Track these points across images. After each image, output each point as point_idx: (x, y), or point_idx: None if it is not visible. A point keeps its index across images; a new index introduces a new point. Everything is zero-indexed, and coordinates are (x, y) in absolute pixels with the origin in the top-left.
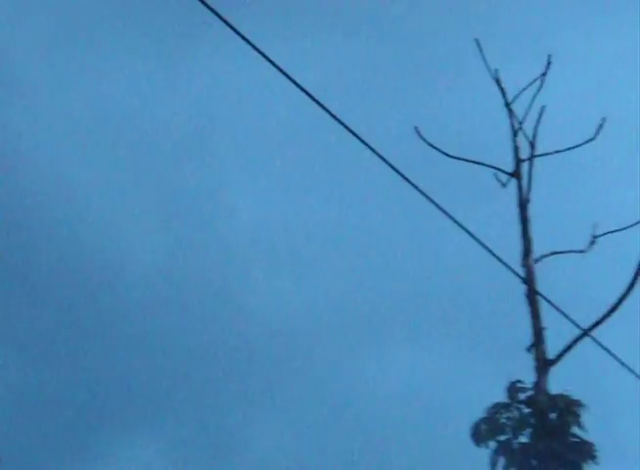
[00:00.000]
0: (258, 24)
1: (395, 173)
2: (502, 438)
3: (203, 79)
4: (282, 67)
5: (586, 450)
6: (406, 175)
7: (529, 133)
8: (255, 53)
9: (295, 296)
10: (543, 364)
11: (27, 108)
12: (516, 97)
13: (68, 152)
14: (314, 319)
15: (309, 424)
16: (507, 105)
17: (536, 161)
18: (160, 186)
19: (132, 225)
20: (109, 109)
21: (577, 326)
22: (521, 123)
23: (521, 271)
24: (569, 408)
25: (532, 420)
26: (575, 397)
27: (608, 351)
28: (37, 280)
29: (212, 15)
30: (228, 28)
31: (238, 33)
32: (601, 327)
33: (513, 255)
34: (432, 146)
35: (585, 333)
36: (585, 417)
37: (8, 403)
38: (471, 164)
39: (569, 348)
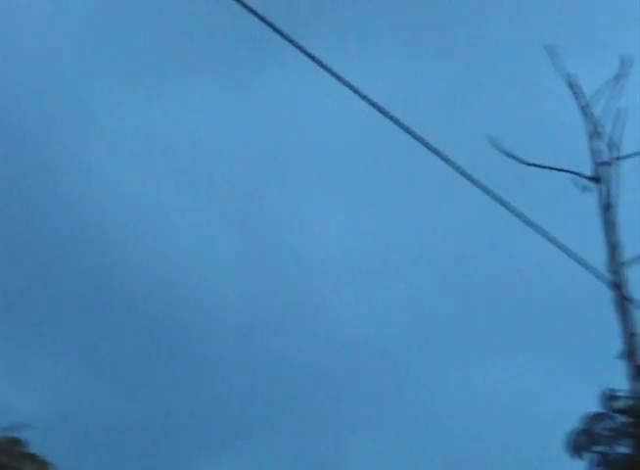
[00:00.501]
0: (330, 45)
1: (474, 184)
2: (599, 449)
3: (278, 102)
4: (356, 85)
5: None
6: (485, 185)
7: (609, 137)
8: (328, 73)
9: (380, 312)
10: (637, 371)
11: (110, 141)
12: (592, 100)
13: (150, 180)
14: (401, 336)
15: (400, 440)
16: (583, 109)
17: (619, 163)
18: (243, 210)
19: (219, 250)
20: (189, 136)
21: None
22: (598, 127)
23: (608, 277)
24: None
25: (631, 429)
26: None
27: None
28: (131, 308)
29: (284, 39)
30: (299, 50)
31: (311, 56)
32: None
33: (598, 261)
34: (508, 155)
35: None
36: None
37: (108, 430)
38: (549, 170)
39: None
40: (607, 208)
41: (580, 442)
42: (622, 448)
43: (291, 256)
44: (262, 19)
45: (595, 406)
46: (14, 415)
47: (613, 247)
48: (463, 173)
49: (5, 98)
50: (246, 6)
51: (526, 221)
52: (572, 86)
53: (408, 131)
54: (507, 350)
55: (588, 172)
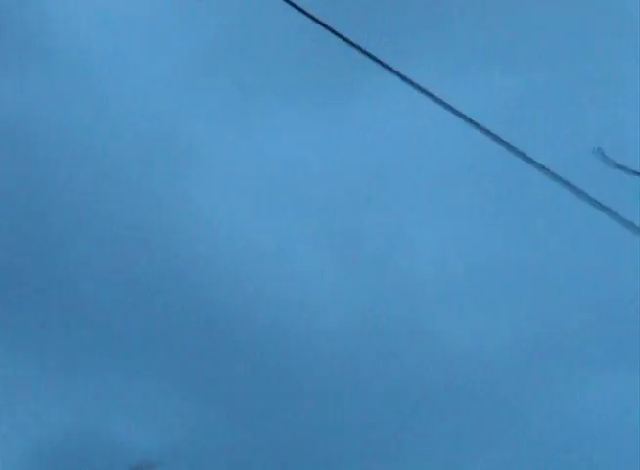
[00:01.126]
0: (422, 65)
1: (581, 198)
2: None
3: (369, 125)
4: (450, 103)
5: None
6: (594, 198)
7: None
8: (420, 92)
9: (486, 330)
10: None
11: (203, 175)
12: None
13: (243, 211)
14: (508, 353)
15: (509, 459)
16: None
17: None
18: (342, 236)
19: (323, 276)
20: (281, 165)
21: None
22: None
23: None
24: None
25: None
26: None
27: None
28: (235, 338)
29: (373, 61)
30: (388, 71)
31: (403, 77)
32: None
33: None
34: (618, 165)
35: None
36: None
37: (231, 461)
38: None
39: None
40: None
41: None
42: None
43: (394, 277)
44: (352, 43)
45: None
46: (138, 453)
47: None
48: (569, 186)
49: (103, 141)
50: (337, 34)
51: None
52: None
53: (509, 146)
54: (620, 362)
55: None
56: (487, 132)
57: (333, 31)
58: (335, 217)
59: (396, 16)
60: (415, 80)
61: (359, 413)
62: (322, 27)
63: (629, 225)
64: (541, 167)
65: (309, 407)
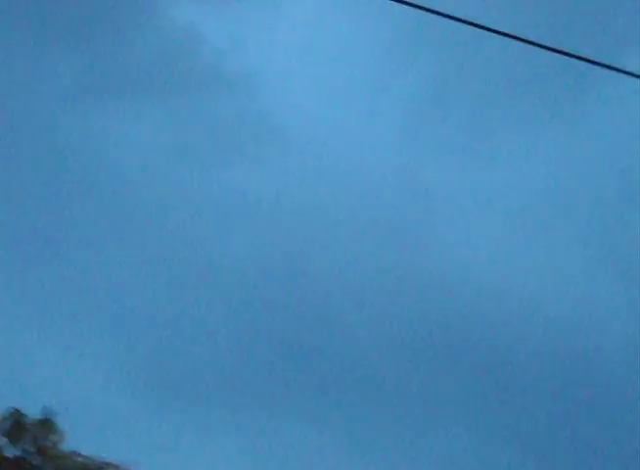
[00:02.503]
0: None
1: None
2: None
3: (610, 130)
4: None
5: None
6: None
7: None
8: None
9: None
10: None
11: (455, 215)
12: None
13: (502, 239)
14: None
15: None
16: None
17: None
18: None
19: (599, 296)
20: (529, 190)
21: None
22: None
23: None
24: None
25: None
26: None
27: None
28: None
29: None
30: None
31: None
32: None
33: None
34: None
35: None
36: None
37: None
38: None
39: None
40: None
41: None
42: None
43: None
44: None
45: None
46: None
47: None
48: None
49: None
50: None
51: None
52: None
53: None
54: None
55: None
56: None
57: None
58: (600, 232)
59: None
60: None
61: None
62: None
63: None
64: None
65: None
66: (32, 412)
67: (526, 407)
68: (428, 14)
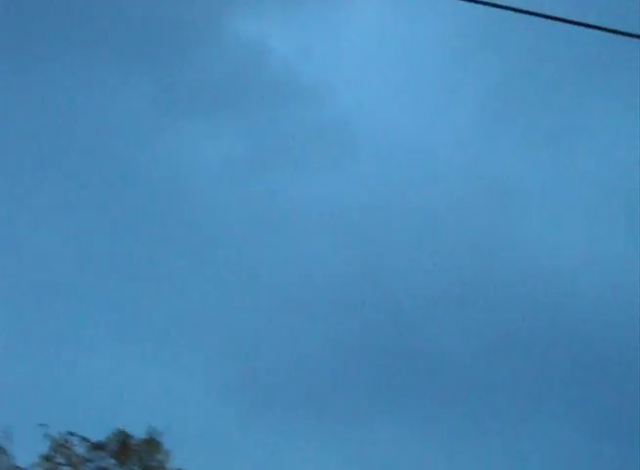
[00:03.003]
0: None
1: None
2: None
3: None
4: None
5: None
6: None
7: None
8: None
9: None
10: None
11: (532, 214)
12: None
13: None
14: None
15: None
16: None
17: None
18: None
19: None
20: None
21: None
22: None
23: None
24: None
25: None
26: None
27: None
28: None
29: None
30: None
31: None
32: None
33: None
34: None
35: None
36: None
37: None
38: None
39: None
40: None
41: None
42: None
43: None
44: None
45: None
46: None
47: None
48: None
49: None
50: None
51: None
52: None
53: None
54: None
55: None
56: None
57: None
58: None
59: None
60: None
61: None
62: None
63: None
64: None
65: None
66: (138, 432)
67: (622, 402)
68: (492, 9)
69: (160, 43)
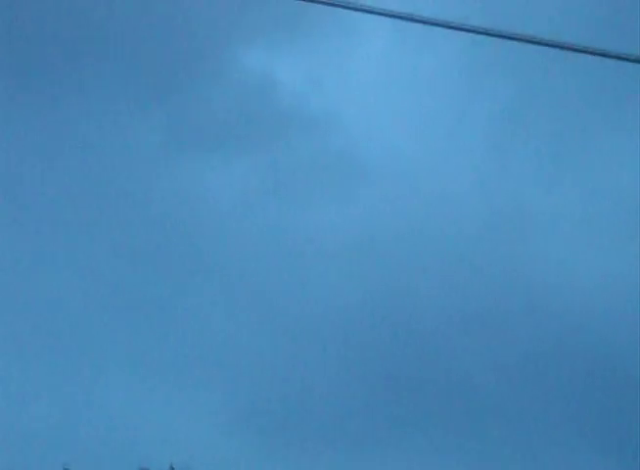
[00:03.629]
0: None
1: None
2: None
3: None
4: None
5: None
6: None
7: None
8: None
9: None
10: None
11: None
12: None
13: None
14: None
15: None
16: None
17: None
18: None
19: None
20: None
21: None
22: None
23: None
24: None
25: None
26: None
27: None
28: None
29: None
30: None
31: None
32: None
33: None
34: None
35: None
36: None
37: None
38: None
39: None
40: None
41: None
42: None
43: None
44: None
45: None
46: None
47: None
48: None
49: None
50: None
51: None
52: None
53: None
54: None
55: None
56: None
57: None
58: None
59: None
60: None
61: None
62: None
63: None
64: None
65: None
66: None
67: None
68: (498, 38)
69: (169, 79)
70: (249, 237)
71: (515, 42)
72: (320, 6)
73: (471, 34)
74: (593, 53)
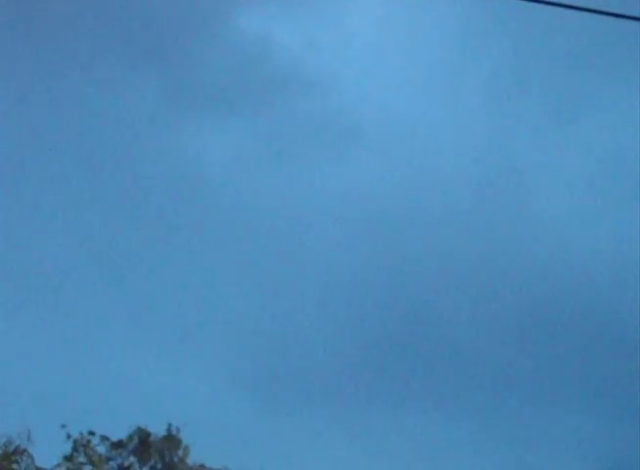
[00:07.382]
0: None
1: None
2: None
3: None
4: None
5: None
6: None
7: None
8: None
9: None
10: None
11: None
12: None
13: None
14: None
15: None
16: None
17: None
18: None
19: None
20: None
21: None
22: None
23: None
24: None
25: None
26: None
27: None
28: None
29: None
30: None
31: None
32: None
33: None
34: None
35: None
36: None
37: None
38: None
39: None
40: None
41: None
42: None
43: None
44: None
45: None
46: None
47: None
48: None
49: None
50: None
51: None
52: None
53: None
54: None
55: None
56: None
57: None
58: None
59: None
60: None
61: None
62: None
63: None
64: None
65: None
66: (157, 429)
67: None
68: None
69: (166, 40)
70: (245, 198)
71: (512, 0)
72: None
73: None
74: (591, 10)
